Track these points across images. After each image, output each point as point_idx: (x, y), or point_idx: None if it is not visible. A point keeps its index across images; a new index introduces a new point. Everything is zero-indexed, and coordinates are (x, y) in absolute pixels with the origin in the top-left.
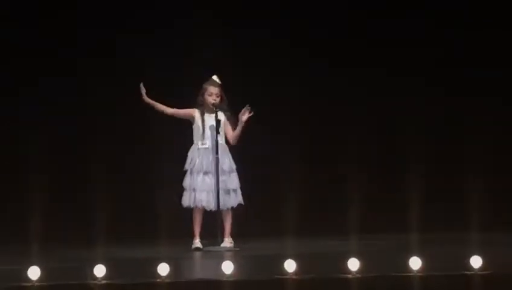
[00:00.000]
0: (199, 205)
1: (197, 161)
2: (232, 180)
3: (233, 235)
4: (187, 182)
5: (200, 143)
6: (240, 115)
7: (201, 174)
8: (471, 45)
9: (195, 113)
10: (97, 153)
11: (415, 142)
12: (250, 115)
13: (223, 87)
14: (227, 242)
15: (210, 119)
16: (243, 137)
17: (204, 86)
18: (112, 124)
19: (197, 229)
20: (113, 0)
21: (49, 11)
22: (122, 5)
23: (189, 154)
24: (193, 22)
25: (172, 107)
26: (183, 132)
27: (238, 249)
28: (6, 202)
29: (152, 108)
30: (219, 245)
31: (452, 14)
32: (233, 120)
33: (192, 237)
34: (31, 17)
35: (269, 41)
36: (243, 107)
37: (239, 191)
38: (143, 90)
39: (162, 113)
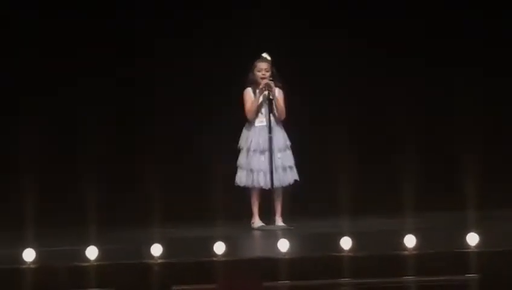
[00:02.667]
0: (257, 186)
1: (254, 139)
2: (288, 157)
3: (286, 214)
4: (243, 160)
5: (256, 121)
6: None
7: (257, 154)
8: None
9: (250, 92)
10: (152, 134)
11: (471, 122)
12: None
13: (273, 62)
14: (281, 221)
15: (263, 96)
16: (289, 109)
17: (254, 63)
18: (165, 102)
19: (255, 209)
20: None
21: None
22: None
23: (244, 132)
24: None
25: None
26: (236, 111)
27: (292, 227)
28: (64, 183)
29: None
30: (273, 224)
31: None
32: (285, 95)
33: (251, 216)
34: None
35: (326, 31)
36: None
37: (294, 168)
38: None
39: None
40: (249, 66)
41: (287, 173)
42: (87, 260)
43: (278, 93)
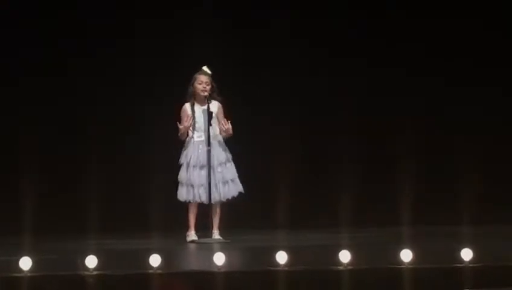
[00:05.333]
0: (198, 201)
1: (193, 154)
2: (228, 171)
3: (223, 228)
4: (183, 176)
5: (195, 136)
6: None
7: (197, 169)
8: None
9: (188, 107)
10: (89, 143)
11: (406, 136)
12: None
13: (213, 77)
14: (218, 234)
15: (202, 110)
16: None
17: (195, 75)
18: (105, 114)
19: (192, 222)
20: None
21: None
22: None
23: (185, 147)
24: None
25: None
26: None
27: (228, 241)
28: None
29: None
30: (210, 237)
31: None
32: (224, 109)
33: (186, 229)
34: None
35: (259, 37)
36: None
37: (237, 180)
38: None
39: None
40: (189, 79)
41: (228, 187)
42: (21, 270)
43: (218, 108)
